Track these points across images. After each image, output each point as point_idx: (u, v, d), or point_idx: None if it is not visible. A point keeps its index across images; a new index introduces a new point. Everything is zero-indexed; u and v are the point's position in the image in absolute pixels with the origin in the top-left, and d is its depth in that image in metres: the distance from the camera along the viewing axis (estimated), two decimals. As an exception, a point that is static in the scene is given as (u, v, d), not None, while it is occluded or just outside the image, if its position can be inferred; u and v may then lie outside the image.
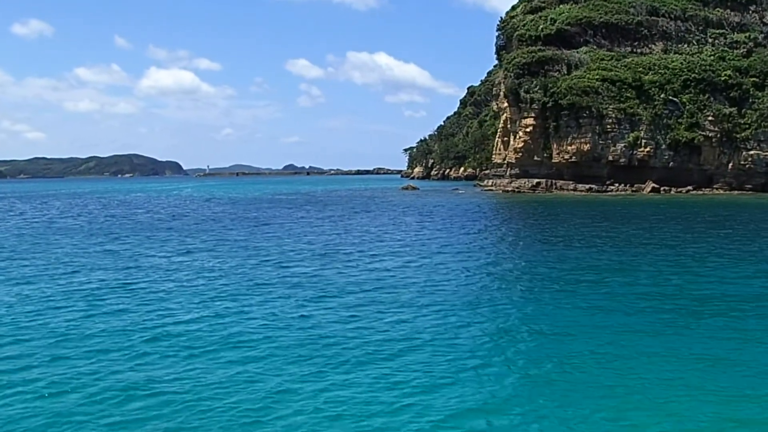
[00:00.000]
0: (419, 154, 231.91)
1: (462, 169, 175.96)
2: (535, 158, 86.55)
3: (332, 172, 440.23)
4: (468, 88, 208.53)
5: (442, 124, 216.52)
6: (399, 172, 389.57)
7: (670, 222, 42.79)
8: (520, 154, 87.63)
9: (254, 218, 50.54)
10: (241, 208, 65.05)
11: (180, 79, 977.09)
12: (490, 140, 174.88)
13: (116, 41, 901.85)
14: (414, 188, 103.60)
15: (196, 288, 20.69)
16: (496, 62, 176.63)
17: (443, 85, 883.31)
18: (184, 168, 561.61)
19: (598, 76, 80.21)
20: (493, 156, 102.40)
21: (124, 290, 20.44)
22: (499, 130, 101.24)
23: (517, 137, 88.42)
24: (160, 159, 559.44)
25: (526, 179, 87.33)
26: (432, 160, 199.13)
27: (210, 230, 40.53)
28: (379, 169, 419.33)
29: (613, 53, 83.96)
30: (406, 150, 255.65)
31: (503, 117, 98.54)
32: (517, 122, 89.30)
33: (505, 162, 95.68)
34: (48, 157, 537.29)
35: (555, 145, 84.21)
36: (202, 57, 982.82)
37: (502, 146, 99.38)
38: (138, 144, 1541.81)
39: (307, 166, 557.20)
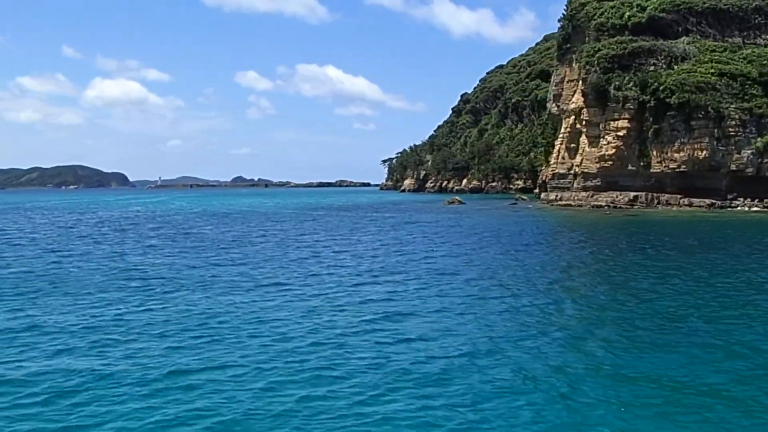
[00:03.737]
0: (400, 166, 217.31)
1: (465, 181, 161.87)
2: (629, 167, 73.04)
3: (292, 184, 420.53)
4: (462, 96, 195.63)
5: (434, 133, 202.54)
6: (363, 184, 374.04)
7: None
8: (610, 162, 73.94)
9: (388, 243, 34.71)
10: (317, 226, 48.68)
11: (127, 90, 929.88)
12: (495, 149, 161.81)
13: (64, 51, 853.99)
14: (461, 202, 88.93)
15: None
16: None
17: (393, 98, 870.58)
18: (131, 180, 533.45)
19: (713, 70, 67.34)
20: (553, 165, 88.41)
21: None
22: (561, 136, 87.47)
23: (604, 142, 74.70)
24: (105, 170, 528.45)
25: (617, 192, 73.55)
26: (425, 172, 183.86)
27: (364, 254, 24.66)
28: (342, 181, 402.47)
29: (725, 44, 71.36)
30: (384, 161, 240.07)
31: (569, 120, 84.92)
32: (601, 125, 75.72)
33: (574, 172, 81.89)
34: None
35: (655, 152, 70.91)
36: (151, 67, 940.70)
37: (566, 154, 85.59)
38: (83, 155, 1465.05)
39: (256, 179, 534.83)
